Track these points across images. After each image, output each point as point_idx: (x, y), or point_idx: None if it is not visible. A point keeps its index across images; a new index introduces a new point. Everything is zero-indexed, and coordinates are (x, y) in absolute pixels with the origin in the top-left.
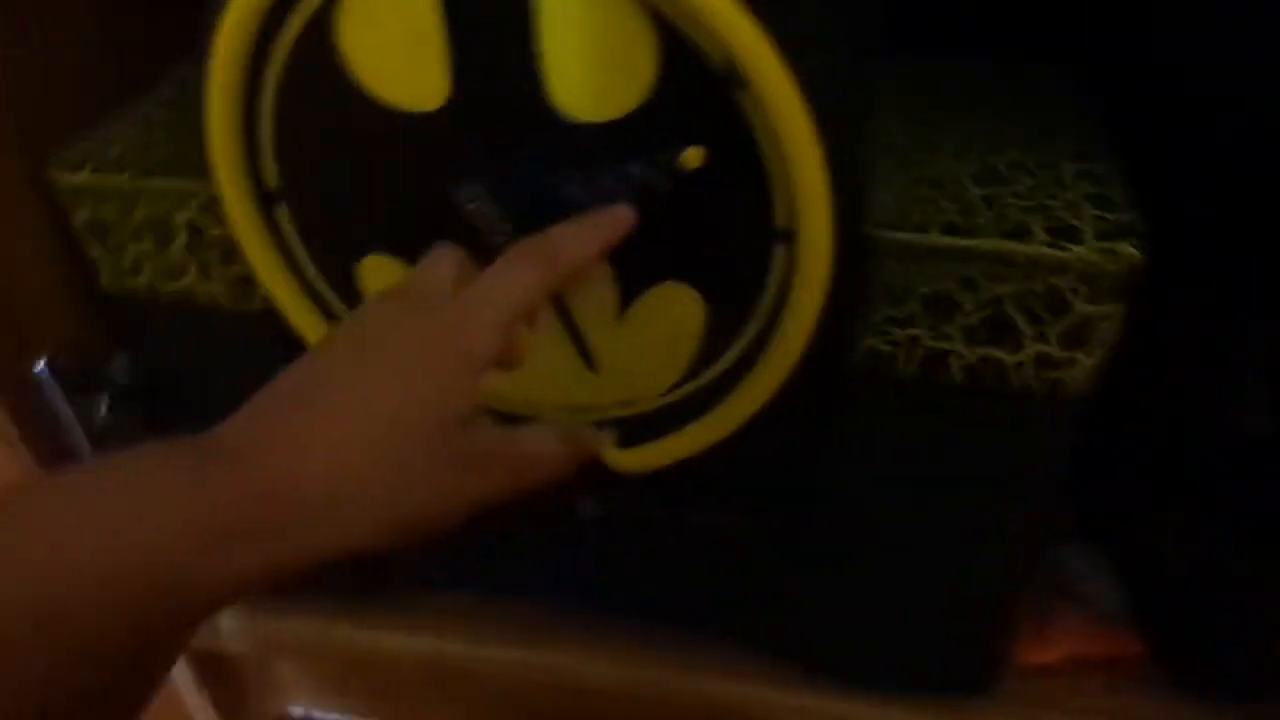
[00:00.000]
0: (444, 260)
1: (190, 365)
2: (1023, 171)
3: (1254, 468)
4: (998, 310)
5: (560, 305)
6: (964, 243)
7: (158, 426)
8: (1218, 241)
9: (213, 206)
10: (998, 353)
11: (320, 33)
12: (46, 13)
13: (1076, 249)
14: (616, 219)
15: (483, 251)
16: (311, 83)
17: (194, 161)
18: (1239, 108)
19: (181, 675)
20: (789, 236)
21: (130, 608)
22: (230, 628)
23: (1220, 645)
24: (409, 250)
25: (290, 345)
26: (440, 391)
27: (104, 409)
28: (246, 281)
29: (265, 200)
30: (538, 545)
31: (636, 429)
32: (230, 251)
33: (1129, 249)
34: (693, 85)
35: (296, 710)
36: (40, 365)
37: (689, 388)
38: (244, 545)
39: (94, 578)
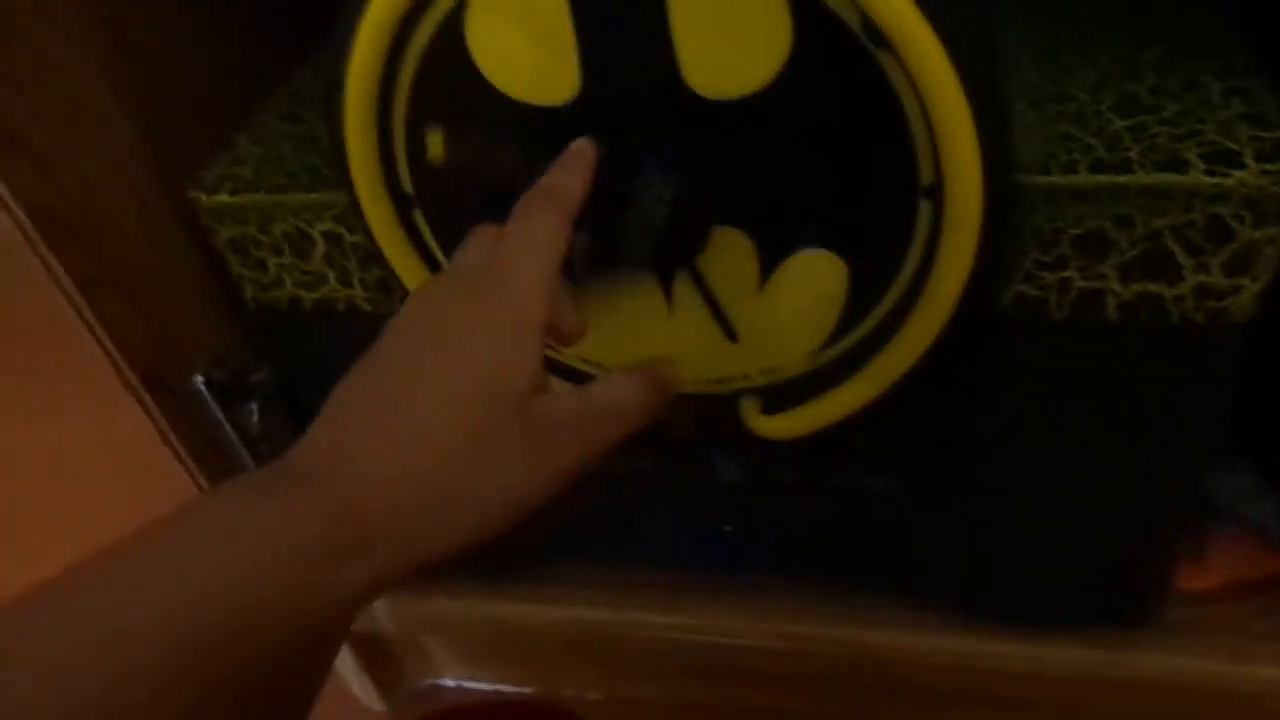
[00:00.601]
0: (476, 239)
1: (334, 369)
2: (1166, 96)
3: None
4: (1155, 245)
5: (699, 278)
6: (1117, 179)
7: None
8: None
9: (349, 215)
10: (1155, 287)
11: (450, 36)
12: (171, 40)
13: (1238, 174)
14: (584, 149)
15: (618, 235)
16: (443, 85)
17: (325, 172)
18: None
19: (340, 656)
20: (935, 192)
21: (257, 640)
22: (382, 609)
23: None
24: None
25: None
26: (500, 364)
27: (255, 416)
28: (384, 284)
29: (402, 204)
30: (678, 510)
31: (781, 395)
32: (368, 257)
33: None
34: (830, 50)
35: (448, 682)
36: (198, 380)
37: (834, 351)
38: (340, 564)
39: (222, 613)
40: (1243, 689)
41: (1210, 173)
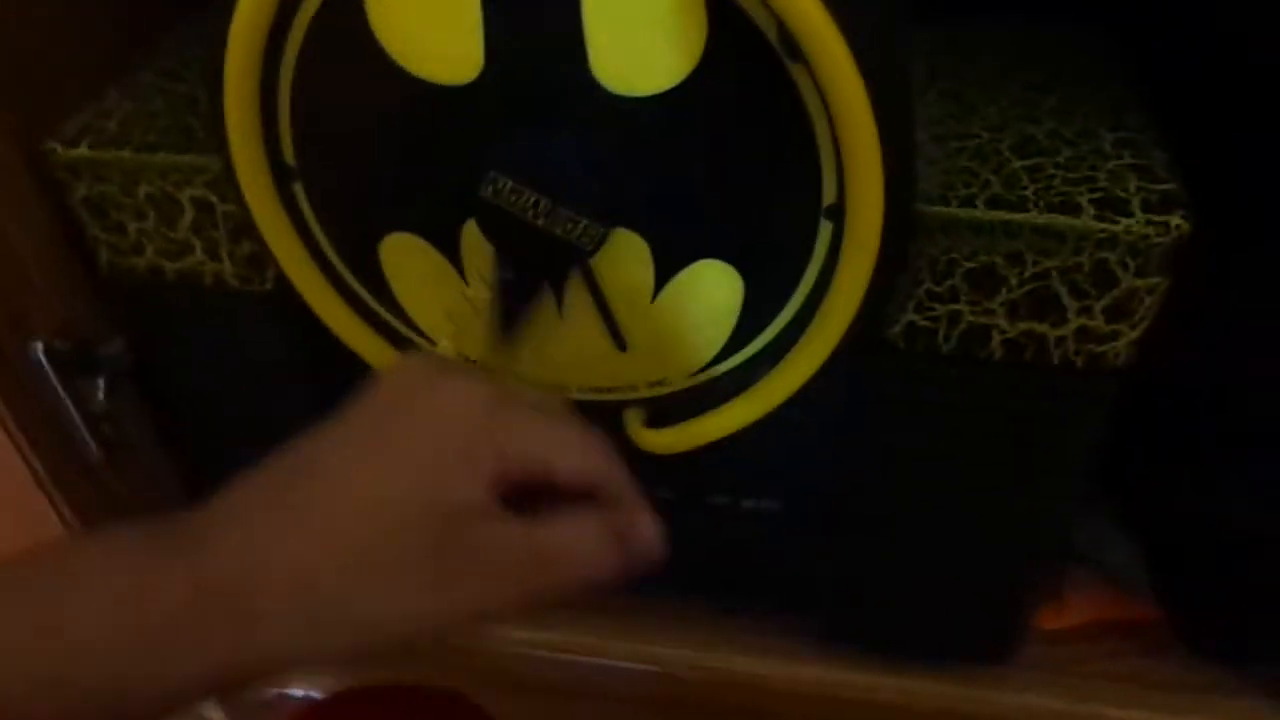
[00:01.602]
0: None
1: (192, 346)
2: (1062, 141)
3: (1271, 439)
4: (1043, 284)
5: (592, 283)
6: (1012, 216)
7: (155, 409)
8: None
9: (222, 183)
10: (1040, 327)
11: (347, 1)
12: None
13: (1126, 221)
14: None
15: (515, 230)
16: (335, 54)
17: (201, 136)
18: None
19: None
20: (836, 212)
21: (75, 713)
22: None
23: (1235, 610)
24: (435, 229)
25: (300, 324)
26: (442, 479)
27: (101, 393)
28: (256, 260)
29: (282, 177)
30: None
31: (667, 409)
32: (239, 229)
33: (1178, 220)
34: (743, 56)
35: (296, 693)
36: (37, 349)
37: (722, 367)
38: (193, 647)
39: (43, 681)
40: None
41: (1100, 218)
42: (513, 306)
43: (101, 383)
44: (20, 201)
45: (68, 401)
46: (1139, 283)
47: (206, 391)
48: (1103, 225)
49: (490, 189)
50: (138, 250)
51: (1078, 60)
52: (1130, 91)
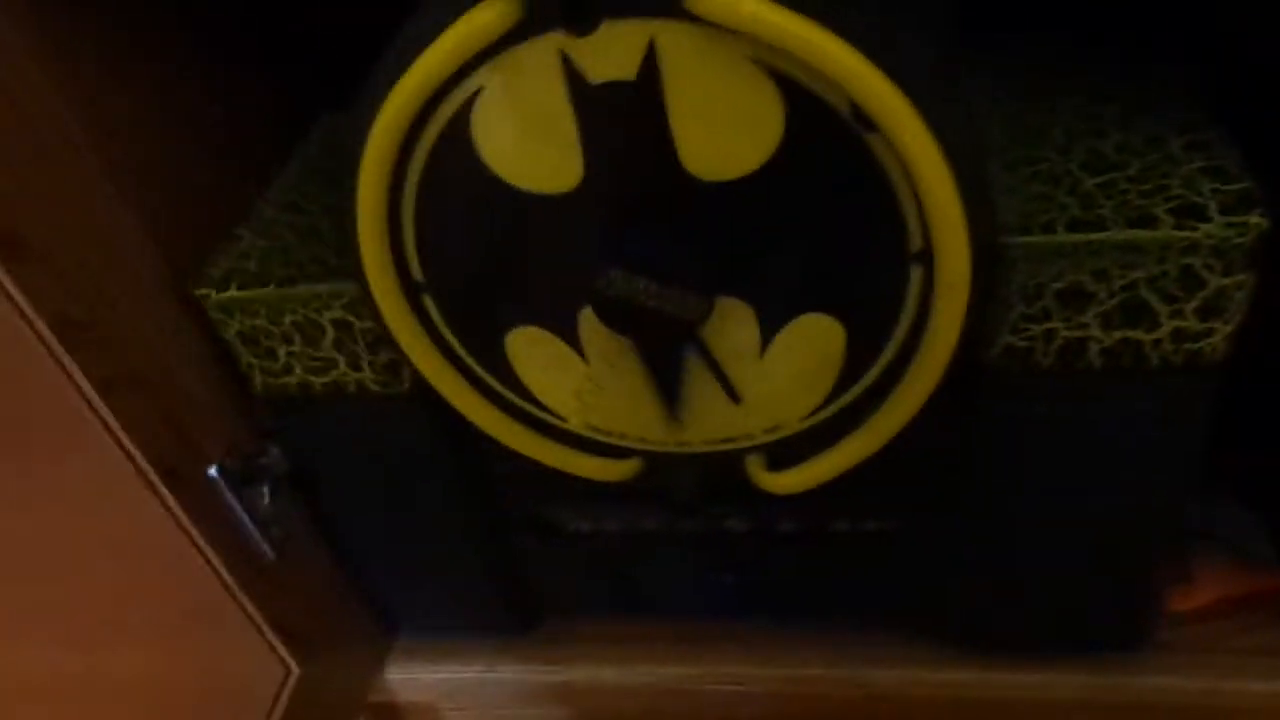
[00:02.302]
0: None
1: (342, 448)
2: (1131, 153)
3: None
4: (1132, 295)
5: (703, 348)
6: (1092, 237)
7: (316, 511)
8: None
9: (358, 304)
10: (1135, 334)
11: (459, 130)
12: (167, 139)
13: (1205, 226)
14: None
15: (629, 313)
16: (450, 178)
17: (332, 262)
18: None
19: None
20: (924, 257)
21: None
22: (395, 679)
23: None
24: (554, 320)
25: (437, 417)
26: None
27: (266, 499)
28: (393, 366)
29: (412, 292)
30: (683, 563)
31: (784, 451)
32: (377, 341)
33: (1257, 219)
34: (820, 134)
35: None
36: (212, 470)
37: (833, 409)
38: None
39: None
40: (1233, 704)
41: (1179, 227)
42: (669, 386)
43: (266, 490)
44: (181, 343)
45: (240, 511)
46: (1226, 281)
47: (356, 487)
48: (1183, 234)
49: (604, 281)
50: (288, 371)
51: (1132, 65)
52: (1192, 91)
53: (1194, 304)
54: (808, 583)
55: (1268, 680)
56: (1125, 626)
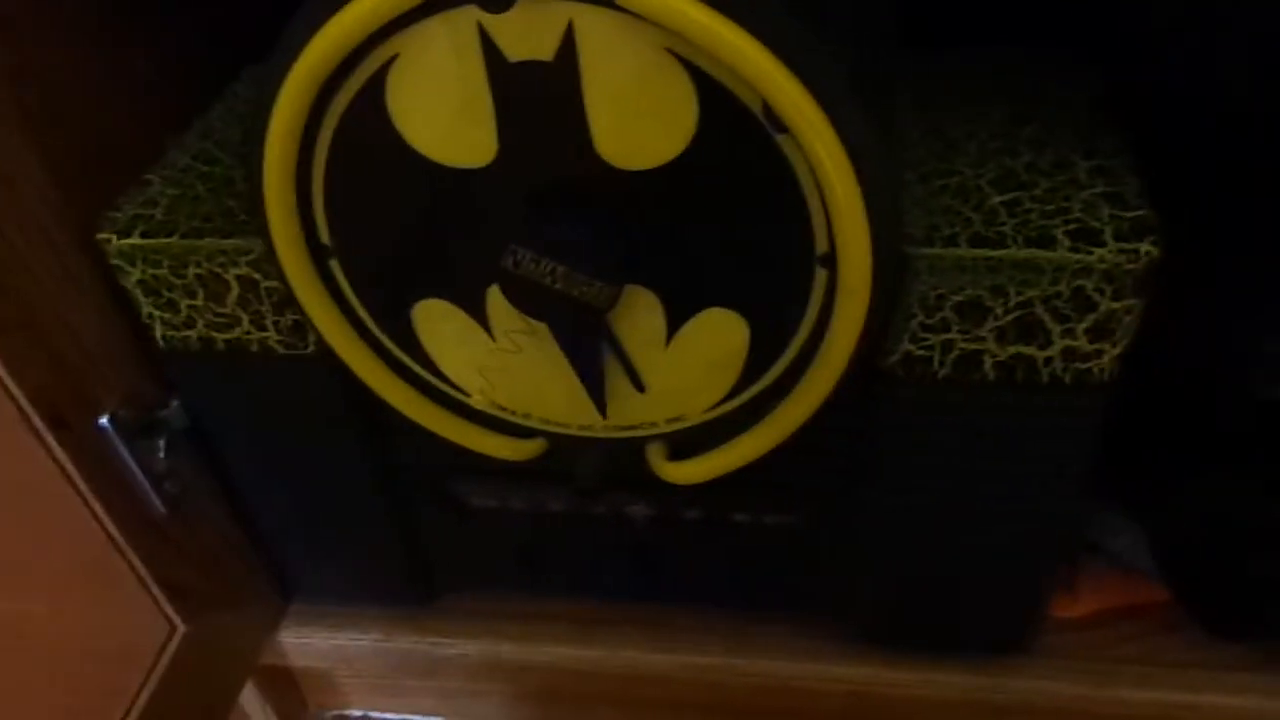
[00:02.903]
0: None
1: (244, 408)
2: (1039, 173)
3: (1268, 427)
4: (1027, 312)
5: (610, 335)
6: (993, 254)
7: (213, 468)
8: (1223, 224)
9: (263, 262)
10: (1028, 350)
11: (372, 96)
12: (79, 82)
13: (1099, 251)
14: None
15: (536, 294)
16: (363, 143)
17: (241, 217)
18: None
19: (246, 692)
20: (829, 260)
21: None
22: (288, 644)
23: (1242, 590)
24: (462, 295)
25: (340, 382)
26: None
27: (162, 453)
28: (298, 328)
29: (319, 255)
30: (586, 546)
31: (685, 442)
32: (283, 302)
33: (1148, 247)
34: (732, 131)
35: (354, 712)
36: (103, 419)
37: (734, 403)
38: None
39: None
40: (1108, 710)
41: (1074, 249)
42: (593, 379)
43: (162, 444)
44: (80, 289)
45: (133, 464)
46: (1116, 305)
47: (256, 448)
48: (1077, 256)
49: (511, 260)
50: (189, 325)
51: (1053, 85)
52: (1105, 116)
53: (1085, 325)
54: (709, 571)
55: (1141, 689)
56: (1011, 630)
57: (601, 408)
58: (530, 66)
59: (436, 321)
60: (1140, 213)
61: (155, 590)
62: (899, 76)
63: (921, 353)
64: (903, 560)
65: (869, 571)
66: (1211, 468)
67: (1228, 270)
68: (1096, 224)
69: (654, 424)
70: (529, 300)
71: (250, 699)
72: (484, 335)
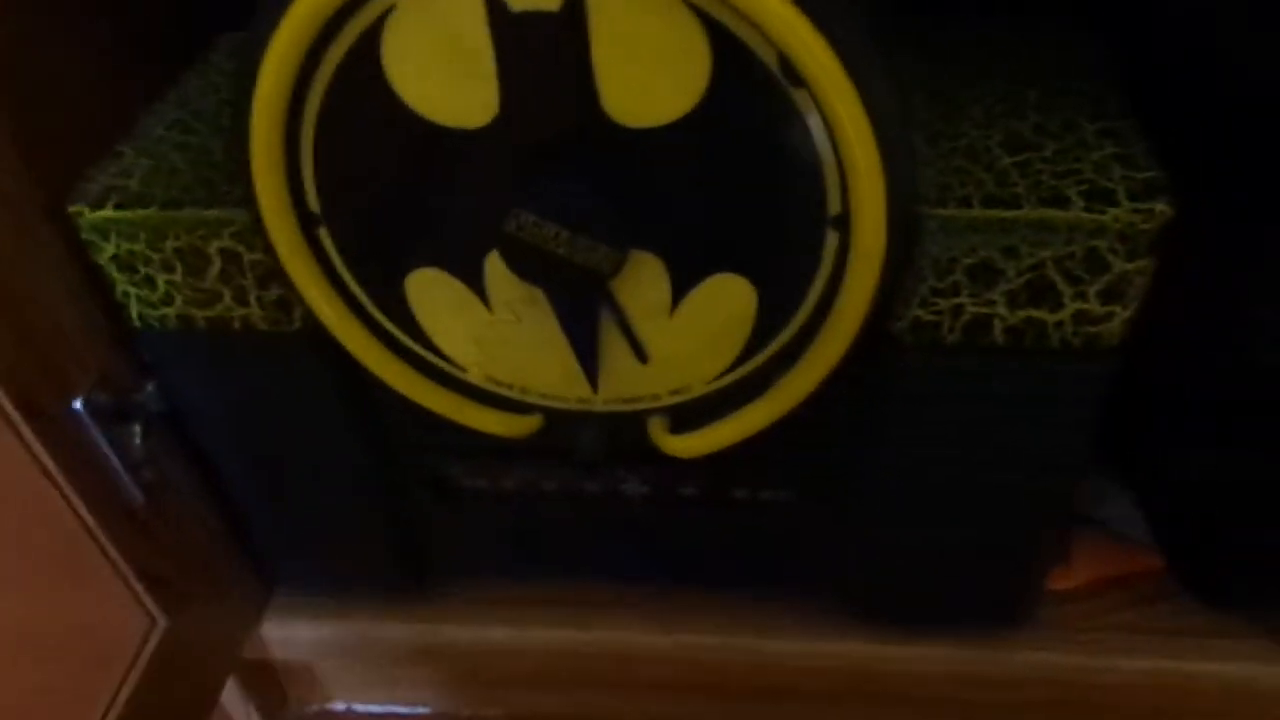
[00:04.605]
0: None
1: (225, 388)
2: (1047, 135)
3: (1267, 395)
4: (1039, 274)
5: (612, 303)
6: (1007, 214)
7: (191, 453)
8: (1231, 186)
9: (248, 233)
10: (1039, 313)
11: (365, 53)
12: (44, 47)
13: (1113, 210)
14: None
15: (537, 259)
16: (355, 104)
17: (222, 188)
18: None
19: (228, 688)
20: (842, 222)
21: None
22: (271, 636)
23: (1238, 557)
24: (459, 263)
25: (328, 359)
26: None
27: (138, 438)
28: (283, 303)
29: (307, 223)
30: (580, 526)
31: (689, 414)
32: (267, 275)
33: (1162, 206)
34: (746, 86)
35: (338, 706)
36: (77, 403)
37: (739, 373)
38: None
39: None
40: (1102, 680)
41: (1089, 209)
42: (588, 349)
43: (138, 429)
44: (51, 265)
45: (108, 450)
46: (1129, 266)
47: (238, 431)
48: (1092, 216)
49: (513, 224)
50: (167, 301)
51: (1054, 52)
52: (1108, 81)
53: (1097, 287)
54: (705, 550)
55: (1133, 657)
56: (1009, 603)
57: (593, 381)
58: (535, 17)
59: (431, 292)
60: (1152, 173)
61: (134, 583)
62: (900, 47)
63: (931, 318)
64: (901, 533)
65: (866, 546)
66: (1208, 434)
67: (1227, 237)
68: (1109, 184)
69: (656, 396)
70: (530, 266)
71: (230, 694)
72: (480, 306)
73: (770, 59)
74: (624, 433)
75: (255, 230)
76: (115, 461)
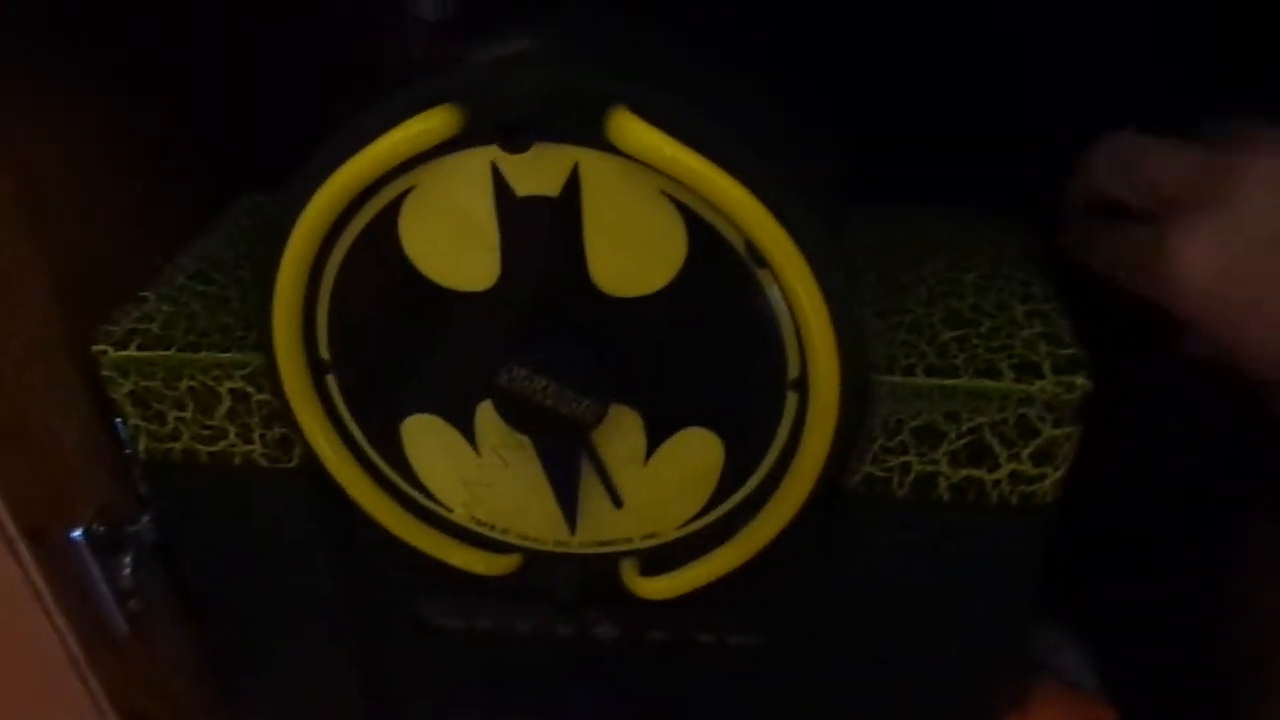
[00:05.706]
0: None
1: (219, 520)
2: (982, 314)
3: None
4: (977, 437)
5: (592, 452)
6: (947, 382)
7: (180, 586)
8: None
9: (258, 375)
10: (978, 472)
11: (385, 224)
12: (87, 199)
13: (1039, 382)
14: None
15: (526, 410)
16: (371, 267)
17: (238, 332)
18: None
19: None
20: (800, 385)
21: None
22: None
23: (1180, 703)
24: (453, 410)
25: (322, 497)
26: None
27: (128, 569)
28: (284, 441)
29: (317, 370)
30: (551, 669)
31: (659, 558)
32: (272, 415)
33: (1082, 380)
34: (717, 264)
35: None
36: (77, 532)
37: (707, 519)
38: None
39: None
40: None
41: (1018, 380)
42: (568, 494)
43: (129, 559)
44: (67, 399)
45: (100, 579)
46: (1057, 432)
47: (228, 564)
48: (1020, 386)
49: (506, 377)
50: (174, 437)
51: (989, 241)
52: (1038, 267)
53: (1029, 450)
54: (674, 695)
55: None
56: None
57: (572, 523)
58: (536, 201)
59: (425, 436)
60: (1074, 350)
61: (110, 714)
62: (854, 225)
63: (882, 474)
64: (860, 681)
65: (829, 694)
66: (1136, 575)
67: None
68: (1036, 358)
69: (629, 539)
70: (520, 416)
71: None
72: (470, 450)
73: (738, 243)
74: (598, 574)
75: (268, 374)
76: (105, 590)
